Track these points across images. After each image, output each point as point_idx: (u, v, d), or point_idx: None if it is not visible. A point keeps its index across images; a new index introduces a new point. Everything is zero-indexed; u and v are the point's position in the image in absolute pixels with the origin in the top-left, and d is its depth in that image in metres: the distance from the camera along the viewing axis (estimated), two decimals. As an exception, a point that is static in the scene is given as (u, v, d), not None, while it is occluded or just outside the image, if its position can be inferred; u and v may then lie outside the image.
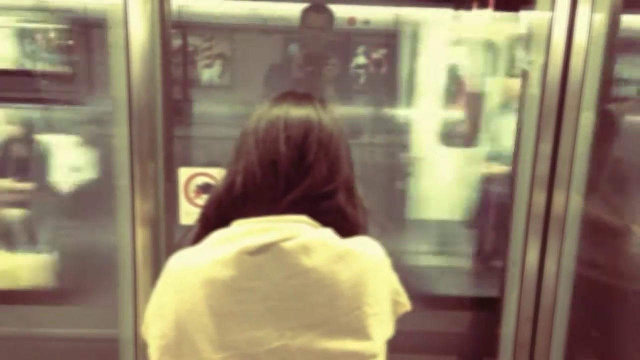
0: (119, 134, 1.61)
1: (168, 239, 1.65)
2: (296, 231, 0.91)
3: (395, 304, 0.99)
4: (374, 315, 0.92)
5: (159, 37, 1.58)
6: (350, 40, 3.67)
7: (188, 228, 1.04)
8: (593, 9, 1.68)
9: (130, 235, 1.63)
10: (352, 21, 3.50)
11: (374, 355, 0.92)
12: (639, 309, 2.17)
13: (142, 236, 1.62)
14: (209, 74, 3.43)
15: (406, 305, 1.02)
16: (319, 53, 2.57)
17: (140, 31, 1.56)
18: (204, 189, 1.67)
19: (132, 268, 1.65)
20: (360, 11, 3.50)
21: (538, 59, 1.73)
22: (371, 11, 3.55)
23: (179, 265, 0.95)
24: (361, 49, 3.74)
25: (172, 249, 0.95)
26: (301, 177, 0.94)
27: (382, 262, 0.98)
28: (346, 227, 0.98)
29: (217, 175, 1.01)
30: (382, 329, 0.94)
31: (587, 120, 1.74)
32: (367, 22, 3.60)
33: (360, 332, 0.91)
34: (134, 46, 1.56)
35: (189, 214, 1.67)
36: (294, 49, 3.18)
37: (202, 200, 1.63)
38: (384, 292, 0.95)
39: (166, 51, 1.65)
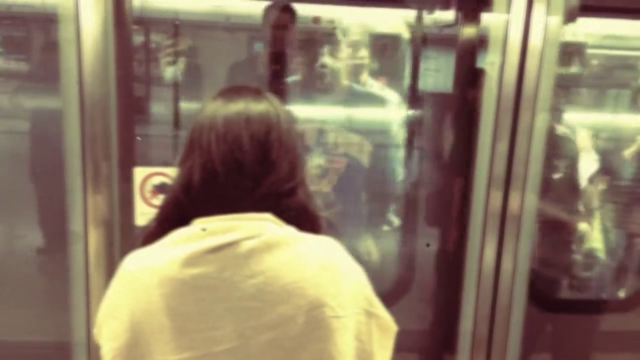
0: (70, 131, 1.56)
1: (123, 240, 1.62)
2: (260, 229, 0.90)
3: (369, 315, 0.96)
4: (336, 318, 0.91)
5: (112, 33, 1.54)
6: (315, 39, 3.66)
7: (146, 227, 1.01)
8: (548, 12, 1.72)
9: (82, 237, 1.59)
10: (316, 20, 3.49)
11: (333, 358, 0.91)
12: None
13: (95, 237, 1.59)
14: (171, 71, 3.37)
15: (386, 319, 0.99)
16: (283, 51, 2.55)
17: (92, 26, 1.52)
18: (161, 188, 1.63)
19: (84, 270, 1.60)
20: (325, 10, 3.49)
21: (495, 60, 1.76)
22: (336, 11, 3.54)
23: (134, 265, 0.92)
24: (326, 48, 3.74)
25: (127, 250, 0.93)
26: (265, 174, 0.93)
27: (345, 265, 0.96)
28: (308, 224, 0.98)
29: (174, 174, 0.99)
30: (345, 333, 0.92)
31: (542, 121, 1.78)
32: (331, 22, 3.59)
33: (320, 332, 0.90)
34: (86, 42, 1.52)
35: (145, 214, 1.64)
36: (258, 46, 3.15)
37: (159, 200, 1.60)
38: (347, 296, 0.93)
39: (124, 47, 1.62)
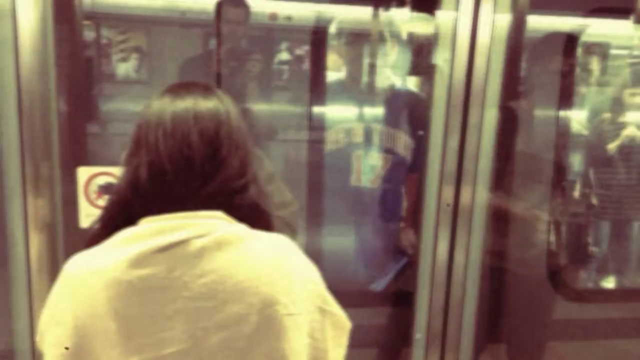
0: (7, 130, 1.50)
1: (66, 244, 1.57)
2: (211, 227, 0.89)
3: (323, 312, 0.96)
4: (288, 316, 0.90)
5: (51, 28, 1.48)
6: (272, 35, 3.65)
7: (91, 228, 0.98)
8: (495, 9, 1.74)
9: (23, 240, 1.53)
10: (273, 16, 3.47)
11: (286, 357, 0.90)
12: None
13: (37, 241, 1.54)
14: (124, 67, 3.29)
15: (340, 317, 0.99)
16: (241, 47, 2.53)
17: (30, 22, 1.46)
18: (107, 189, 1.59)
19: (26, 275, 1.55)
20: (281, 7, 3.47)
21: (446, 57, 1.78)
22: (293, 7, 3.53)
23: (78, 268, 0.90)
24: (284, 45, 3.73)
25: (71, 254, 0.91)
26: (215, 171, 0.92)
27: (298, 263, 0.96)
28: (260, 221, 0.97)
29: (120, 173, 0.96)
30: (299, 331, 0.92)
31: (491, 116, 1.81)
32: (289, 18, 3.58)
33: (273, 331, 0.89)
34: (23, 38, 1.46)
35: (90, 216, 1.58)
36: (213, 43, 3.11)
37: (105, 201, 1.56)
38: (300, 294, 0.93)
39: (66, 43, 1.57)
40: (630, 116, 3.03)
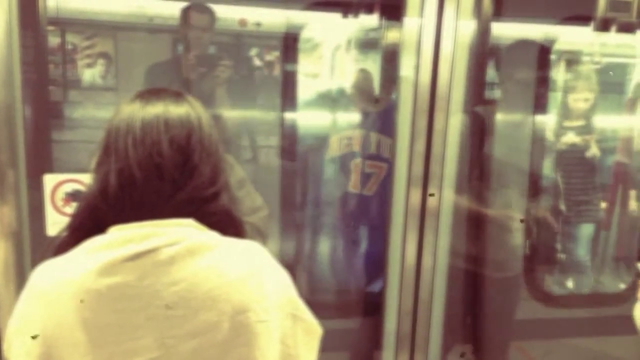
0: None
1: (33, 252, 1.54)
2: (181, 235, 0.89)
3: (294, 318, 0.97)
4: (260, 322, 0.91)
5: (17, 34, 1.46)
6: (242, 41, 3.65)
7: (56, 237, 0.97)
8: (458, 17, 1.79)
9: (-11, 249, 1.50)
10: (242, 22, 3.47)
11: None
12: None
13: (3, 249, 1.51)
14: (90, 74, 3.24)
15: (311, 323, 1.00)
16: (208, 53, 2.52)
17: (-7, 27, 1.44)
18: (74, 196, 1.57)
19: (-8, 284, 1.52)
20: (251, 13, 3.47)
21: (413, 63, 1.81)
22: (262, 13, 3.54)
23: (46, 276, 0.89)
24: (254, 51, 3.73)
25: (38, 263, 0.90)
26: (186, 179, 0.92)
27: (269, 269, 0.97)
28: (232, 228, 0.97)
29: (88, 180, 0.95)
30: (270, 337, 0.92)
31: (455, 122, 1.85)
32: (258, 24, 3.58)
33: (245, 337, 0.90)
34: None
35: (57, 223, 1.56)
36: (181, 49, 3.10)
37: (72, 208, 1.54)
38: (272, 300, 0.93)
39: (33, 49, 1.55)
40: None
